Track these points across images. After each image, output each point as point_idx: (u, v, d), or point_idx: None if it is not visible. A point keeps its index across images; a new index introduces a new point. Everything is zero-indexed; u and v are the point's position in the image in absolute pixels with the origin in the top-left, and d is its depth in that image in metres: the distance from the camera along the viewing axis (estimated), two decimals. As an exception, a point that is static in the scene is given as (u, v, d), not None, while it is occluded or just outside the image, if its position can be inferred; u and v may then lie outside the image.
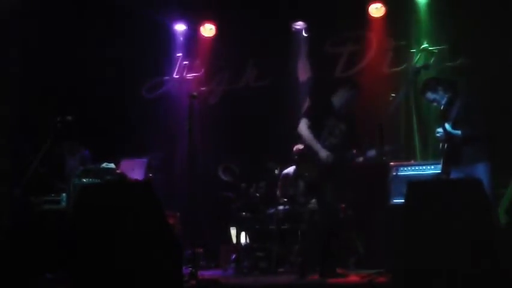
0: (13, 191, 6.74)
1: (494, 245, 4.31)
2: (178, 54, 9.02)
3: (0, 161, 7.14)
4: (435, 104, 6.25)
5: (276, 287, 6.19)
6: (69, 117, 6.84)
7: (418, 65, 7.73)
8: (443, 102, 6.11)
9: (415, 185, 4.84)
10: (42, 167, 6.85)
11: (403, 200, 4.88)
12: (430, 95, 6.17)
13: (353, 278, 6.10)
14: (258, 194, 7.32)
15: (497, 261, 4.23)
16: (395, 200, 6.61)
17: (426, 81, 6.29)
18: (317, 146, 6.08)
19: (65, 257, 5.22)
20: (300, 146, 7.78)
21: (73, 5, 8.39)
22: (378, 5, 8.20)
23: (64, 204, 6.51)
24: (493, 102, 6.93)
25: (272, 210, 7.28)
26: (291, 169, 7.80)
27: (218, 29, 8.83)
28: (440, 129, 6.10)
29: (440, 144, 6.18)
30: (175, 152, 8.59)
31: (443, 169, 6.13)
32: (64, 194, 6.57)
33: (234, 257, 7.24)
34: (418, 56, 8.00)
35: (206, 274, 6.44)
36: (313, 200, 7.34)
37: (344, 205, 7.52)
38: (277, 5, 8.41)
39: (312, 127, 6.19)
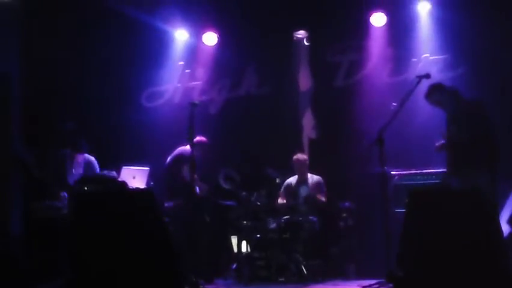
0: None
1: (496, 255, 4.31)
2: (179, 63, 9.03)
3: (1, 169, 7.14)
4: (440, 106, 6.27)
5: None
6: (70, 124, 6.83)
7: (419, 74, 7.74)
8: (447, 109, 6.16)
9: (416, 193, 4.85)
10: (43, 174, 6.85)
11: (404, 209, 4.89)
12: (436, 97, 6.21)
13: (353, 287, 6.10)
14: (259, 203, 7.31)
15: (499, 270, 4.23)
16: (396, 209, 6.61)
17: (432, 84, 6.32)
18: None
19: (65, 264, 5.22)
20: (300, 156, 7.80)
21: (74, 13, 8.40)
22: (379, 14, 8.21)
23: (65, 211, 6.49)
24: (494, 110, 6.94)
25: (273, 219, 7.27)
26: (293, 178, 7.81)
27: (220, 38, 8.84)
28: (441, 138, 6.13)
29: (442, 153, 6.20)
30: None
31: (444, 177, 6.14)
32: (65, 201, 6.56)
33: (234, 266, 7.23)
34: (419, 66, 8.01)
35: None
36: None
37: (344, 214, 7.54)
38: (278, 14, 8.42)
39: None
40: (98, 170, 7.14)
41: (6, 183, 7.13)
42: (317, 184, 7.67)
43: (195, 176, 6.87)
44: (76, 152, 7.10)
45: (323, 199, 7.61)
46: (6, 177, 7.14)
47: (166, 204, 7.06)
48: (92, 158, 7.20)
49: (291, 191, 7.73)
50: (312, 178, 7.72)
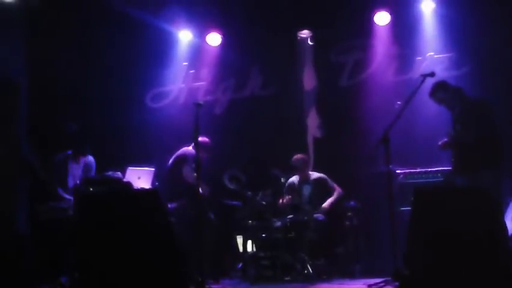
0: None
1: (500, 253, 4.31)
2: (184, 63, 9.05)
3: (6, 170, 7.16)
4: (444, 104, 6.28)
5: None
6: (73, 125, 6.85)
7: (424, 73, 7.73)
8: (451, 107, 6.16)
9: (421, 191, 4.85)
10: (47, 175, 6.87)
11: (410, 207, 4.89)
12: (440, 94, 6.22)
13: (359, 286, 6.10)
14: (264, 203, 7.31)
15: (503, 268, 4.22)
16: (401, 207, 6.61)
17: (436, 82, 6.32)
18: None
19: (71, 265, 5.24)
20: (298, 156, 7.79)
21: (78, 14, 8.43)
22: (384, 13, 8.20)
23: (71, 212, 6.51)
24: (499, 109, 6.93)
25: (278, 219, 7.27)
26: (295, 178, 7.80)
27: (224, 38, 8.85)
28: (446, 136, 6.13)
29: (448, 151, 6.20)
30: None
31: (449, 176, 6.14)
32: (71, 203, 6.58)
33: (240, 265, 7.24)
34: (424, 64, 7.99)
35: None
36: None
37: (350, 213, 7.54)
38: (282, 14, 8.43)
39: None
40: (94, 169, 7.15)
41: (12, 185, 7.15)
42: (319, 181, 7.66)
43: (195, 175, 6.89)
44: (80, 154, 7.12)
45: (331, 199, 7.58)
46: (13, 179, 7.16)
47: (169, 206, 7.06)
48: (91, 158, 7.21)
49: (294, 190, 7.71)
50: (314, 176, 7.71)
